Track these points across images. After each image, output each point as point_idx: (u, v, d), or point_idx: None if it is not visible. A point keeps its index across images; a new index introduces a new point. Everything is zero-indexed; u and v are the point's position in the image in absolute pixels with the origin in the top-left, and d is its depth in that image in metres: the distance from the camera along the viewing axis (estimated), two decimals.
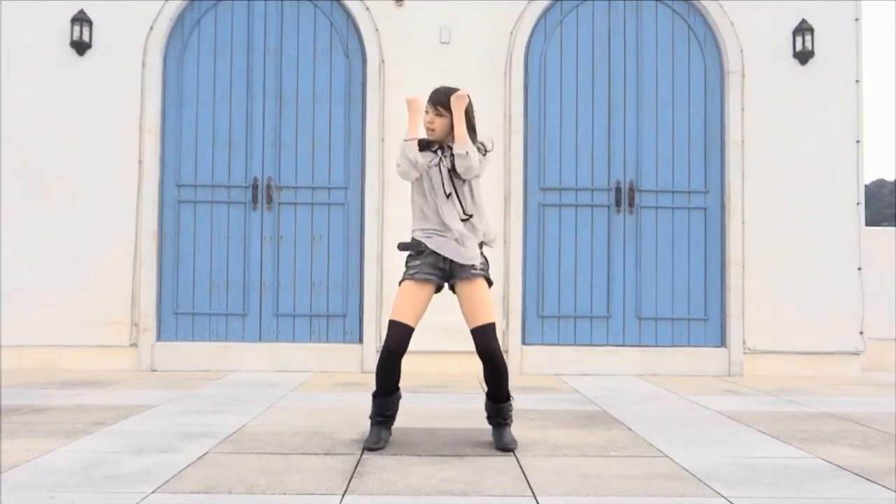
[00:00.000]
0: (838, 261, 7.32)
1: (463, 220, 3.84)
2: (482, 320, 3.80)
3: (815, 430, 4.48)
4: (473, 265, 3.83)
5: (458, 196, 3.84)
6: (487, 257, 3.97)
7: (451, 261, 3.83)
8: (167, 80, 7.34)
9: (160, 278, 7.22)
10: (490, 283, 3.92)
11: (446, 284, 3.92)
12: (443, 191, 3.82)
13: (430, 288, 3.87)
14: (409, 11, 7.33)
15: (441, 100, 3.84)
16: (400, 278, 3.92)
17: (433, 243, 3.83)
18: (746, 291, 7.23)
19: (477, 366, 4.10)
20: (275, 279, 7.27)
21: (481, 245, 3.94)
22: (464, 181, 3.85)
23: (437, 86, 3.97)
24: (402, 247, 3.95)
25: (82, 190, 7.14)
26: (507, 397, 3.88)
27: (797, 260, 7.30)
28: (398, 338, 3.76)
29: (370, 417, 3.90)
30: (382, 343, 3.85)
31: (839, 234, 7.33)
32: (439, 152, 3.87)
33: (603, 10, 7.47)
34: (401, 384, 3.91)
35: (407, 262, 3.93)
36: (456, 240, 3.81)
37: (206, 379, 6.48)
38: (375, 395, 3.87)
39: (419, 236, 3.89)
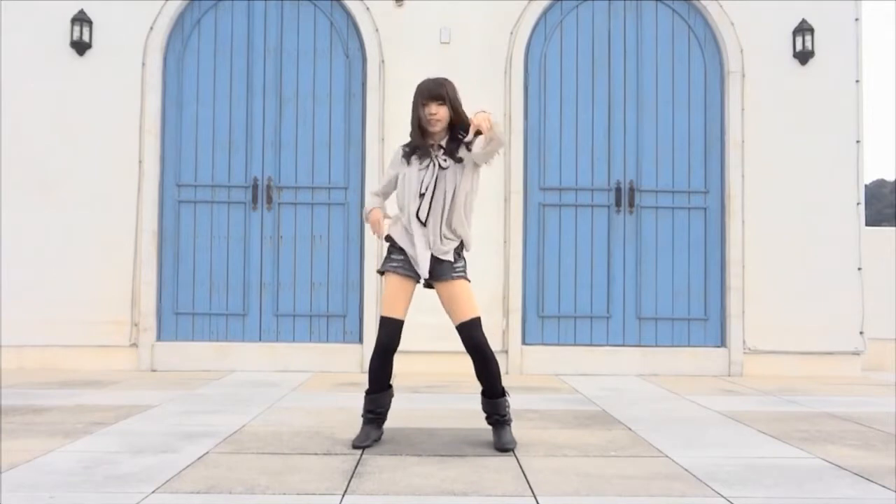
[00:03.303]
0: (838, 261, 7.32)
1: (444, 224, 3.82)
2: (466, 315, 3.81)
3: (815, 430, 4.48)
4: (453, 269, 3.83)
5: (451, 199, 3.81)
6: (465, 258, 3.94)
7: (432, 263, 3.83)
8: (167, 80, 7.34)
9: (160, 278, 7.22)
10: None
11: (422, 280, 3.93)
12: (432, 193, 3.81)
13: (412, 282, 3.91)
14: (409, 11, 7.33)
15: (439, 92, 3.78)
16: (381, 266, 3.95)
17: (410, 250, 3.84)
18: (746, 291, 7.23)
19: None
20: (275, 279, 7.27)
21: (460, 248, 3.90)
22: (454, 184, 3.83)
23: (424, 79, 3.90)
24: (388, 239, 3.98)
25: (82, 190, 7.14)
26: (502, 393, 3.88)
27: (797, 260, 7.29)
28: (391, 333, 3.82)
29: (362, 415, 3.94)
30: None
31: (839, 234, 7.33)
32: (431, 152, 3.85)
33: (603, 10, 7.47)
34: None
35: (390, 252, 3.94)
36: (426, 241, 3.81)
37: (206, 379, 6.48)
38: (368, 392, 3.92)
39: (395, 233, 3.91)
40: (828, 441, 4.14)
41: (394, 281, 3.88)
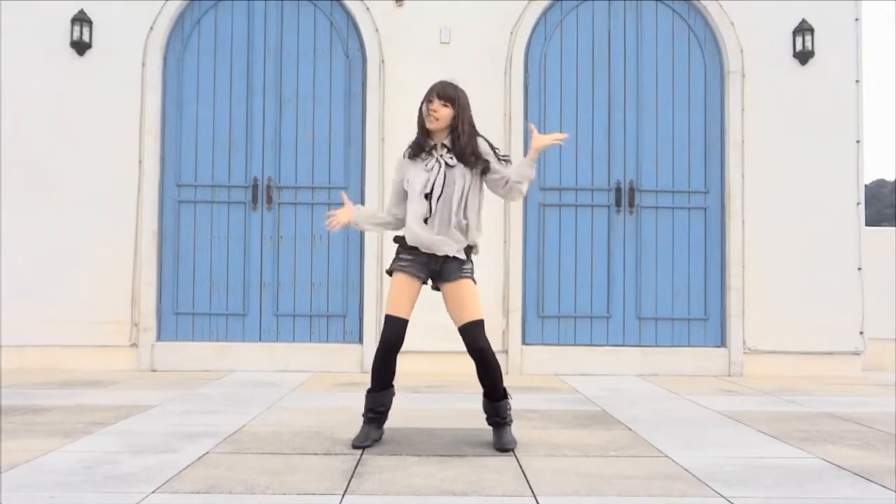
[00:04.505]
0: (838, 261, 7.32)
1: (452, 223, 3.81)
2: (470, 317, 3.80)
3: (815, 430, 4.48)
4: (461, 270, 3.82)
5: (459, 198, 3.82)
6: (473, 261, 3.95)
7: (441, 263, 3.83)
8: (167, 80, 7.34)
9: (160, 278, 7.22)
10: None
11: (430, 282, 3.93)
12: (440, 192, 3.80)
13: (419, 283, 3.90)
14: (409, 11, 7.33)
15: (448, 93, 3.80)
16: (390, 266, 3.93)
17: (420, 242, 3.82)
18: (746, 291, 7.23)
19: None
20: (275, 279, 7.27)
21: (469, 249, 3.91)
22: (462, 184, 3.83)
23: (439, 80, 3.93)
24: (397, 239, 3.98)
25: (82, 190, 7.14)
26: (504, 395, 3.88)
27: (797, 260, 7.29)
28: (395, 332, 3.80)
29: (363, 414, 3.92)
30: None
31: (839, 234, 7.33)
32: (434, 153, 3.85)
33: (603, 10, 7.47)
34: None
35: (399, 253, 3.93)
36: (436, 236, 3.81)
37: (206, 379, 6.48)
38: (370, 391, 3.90)
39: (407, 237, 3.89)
40: (828, 441, 4.14)
41: (401, 280, 3.86)
